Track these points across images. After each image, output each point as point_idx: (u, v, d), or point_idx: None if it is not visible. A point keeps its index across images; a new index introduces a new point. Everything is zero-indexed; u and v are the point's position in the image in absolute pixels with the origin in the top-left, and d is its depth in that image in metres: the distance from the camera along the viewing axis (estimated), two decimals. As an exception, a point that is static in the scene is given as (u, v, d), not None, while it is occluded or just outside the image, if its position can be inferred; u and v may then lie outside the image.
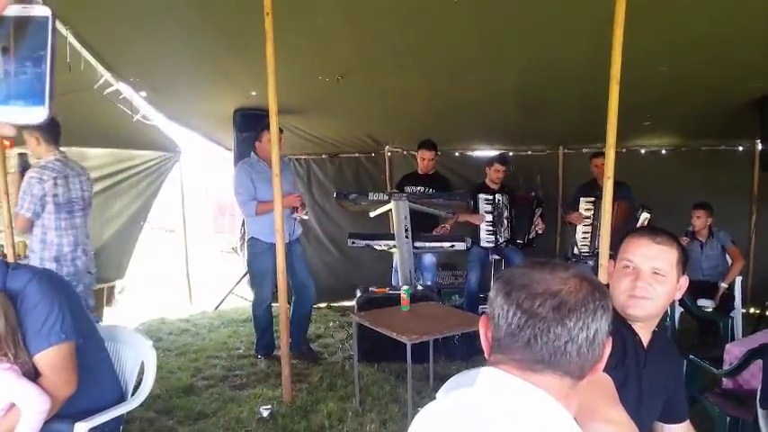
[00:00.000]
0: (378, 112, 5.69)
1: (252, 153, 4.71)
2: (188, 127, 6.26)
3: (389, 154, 6.83)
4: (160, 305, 6.74)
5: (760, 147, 5.75)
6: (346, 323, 5.71)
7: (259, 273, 4.69)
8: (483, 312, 5.91)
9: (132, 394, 2.45)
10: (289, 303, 4.32)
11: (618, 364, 1.55)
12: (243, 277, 6.54)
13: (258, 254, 4.58)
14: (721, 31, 3.94)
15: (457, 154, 6.88)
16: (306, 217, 4.74)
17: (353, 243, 4.96)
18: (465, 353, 4.58)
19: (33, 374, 2.03)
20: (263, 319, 4.76)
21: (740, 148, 6.50)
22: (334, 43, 4.22)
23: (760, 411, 2.18)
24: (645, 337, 1.70)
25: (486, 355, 1.06)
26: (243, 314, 6.30)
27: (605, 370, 1.44)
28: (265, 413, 3.52)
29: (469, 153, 6.93)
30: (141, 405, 2.49)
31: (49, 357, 2.04)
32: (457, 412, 1.04)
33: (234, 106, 5.57)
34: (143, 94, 5.07)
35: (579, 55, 4.18)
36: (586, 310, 0.98)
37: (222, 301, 6.53)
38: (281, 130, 4.25)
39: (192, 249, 7.13)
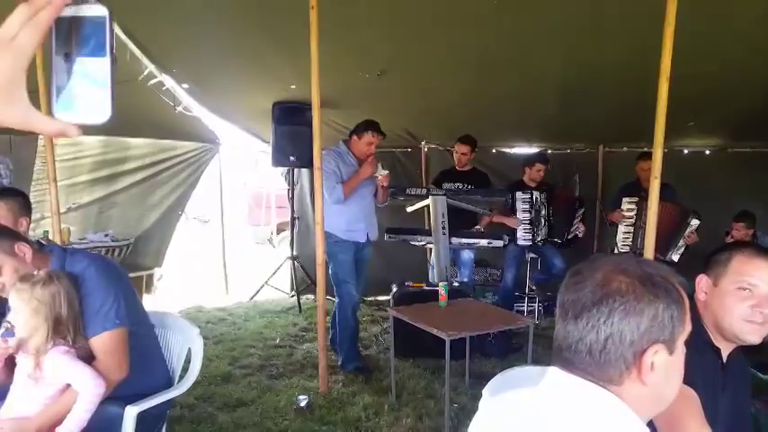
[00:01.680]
0: (415, 107, 5.68)
1: (341, 142, 4.48)
2: (227, 119, 6.34)
3: (426, 149, 6.82)
4: (197, 294, 6.86)
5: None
6: (380, 317, 5.74)
7: (341, 271, 4.25)
8: (518, 310, 5.88)
9: (179, 380, 2.51)
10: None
11: (703, 388, 1.51)
12: (278, 269, 6.62)
13: (336, 252, 4.24)
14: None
15: (494, 151, 6.84)
16: (385, 180, 4.44)
17: (390, 237, 4.98)
18: (500, 351, 4.57)
19: (89, 358, 2.10)
20: (350, 326, 4.29)
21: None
22: (375, 38, 4.23)
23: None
24: (725, 354, 1.67)
25: None
26: (278, 305, 6.39)
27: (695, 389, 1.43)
28: (303, 403, 3.56)
29: (506, 150, 6.88)
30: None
31: (104, 341, 2.10)
32: (523, 405, 1.05)
33: (273, 99, 5.63)
34: (185, 85, 5.15)
35: (623, 52, 4.10)
36: (600, 310, 0.96)
37: (257, 292, 6.62)
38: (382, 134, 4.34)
39: (227, 240, 7.24)
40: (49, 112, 0.61)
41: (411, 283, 4.67)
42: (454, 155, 5.51)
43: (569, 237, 5.41)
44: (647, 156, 4.51)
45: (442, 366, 3.25)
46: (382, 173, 4.35)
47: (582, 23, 3.86)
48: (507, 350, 4.60)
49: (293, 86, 5.15)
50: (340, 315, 4.30)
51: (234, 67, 4.97)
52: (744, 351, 1.75)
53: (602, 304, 0.96)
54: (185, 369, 2.54)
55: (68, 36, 0.60)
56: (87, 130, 0.62)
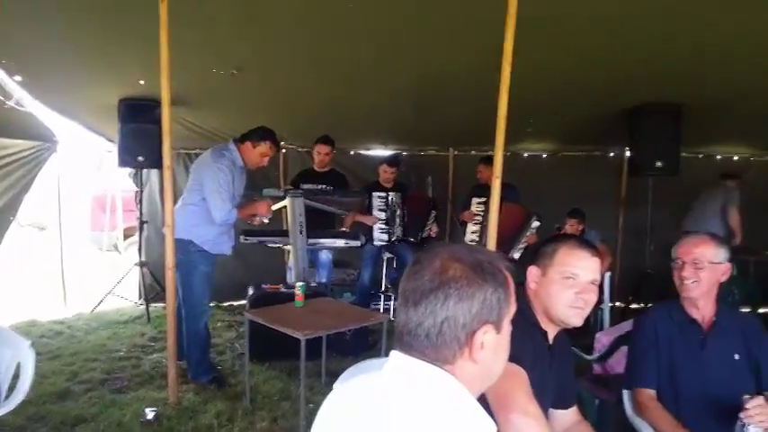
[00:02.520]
0: (273, 107, 5.61)
1: (232, 144, 4.19)
2: (67, 116, 5.84)
3: (284, 151, 6.76)
4: (30, 307, 6.23)
5: (628, 154, 6.28)
6: (235, 322, 5.59)
7: (201, 283, 4.04)
8: (375, 308, 6.00)
9: (5, 399, 2.27)
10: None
11: (532, 367, 1.65)
12: (125, 276, 6.21)
13: (197, 263, 3.99)
14: (596, 47, 4.27)
15: (352, 152, 6.95)
16: (266, 221, 4.42)
17: (246, 240, 4.86)
18: (357, 348, 4.64)
19: None
20: (202, 336, 4.12)
21: (611, 155, 7.08)
22: (230, 36, 4.12)
23: (624, 392, 2.39)
24: (552, 336, 1.84)
25: None
26: (124, 315, 5.99)
27: (526, 368, 1.56)
28: (150, 415, 3.37)
29: (364, 152, 7.02)
30: (10, 411, 2.31)
31: None
32: (367, 389, 1.09)
33: (119, 95, 5.28)
34: (17, 78, 4.67)
35: (470, 63, 4.35)
36: (436, 297, 1.02)
37: (101, 302, 6.16)
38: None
39: (66, 247, 6.65)
40: None
41: (268, 286, 4.60)
42: (314, 155, 5.53)
43: (423, 236, 5.64)
44: (487, 159, 4.82)
45: (299, 367, 3.23)
46: (268, 217, 4.34)
47: (436, 27, 4.04)
48: (364, 347, 4.67)
49: (142, 82, 4.87)
50: (192, 326, 4.04)
51: (75, 59, 4.58)
52: (568, 334, 1.95)
53: (439, 291, 1.03)
54: (12, 387, 2.30)
55: None
56: None
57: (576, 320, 1.79)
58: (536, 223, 5.27)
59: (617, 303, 6.52)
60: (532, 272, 1.83)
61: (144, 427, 3.30)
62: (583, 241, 1.85)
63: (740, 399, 1.87)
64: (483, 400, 1.39)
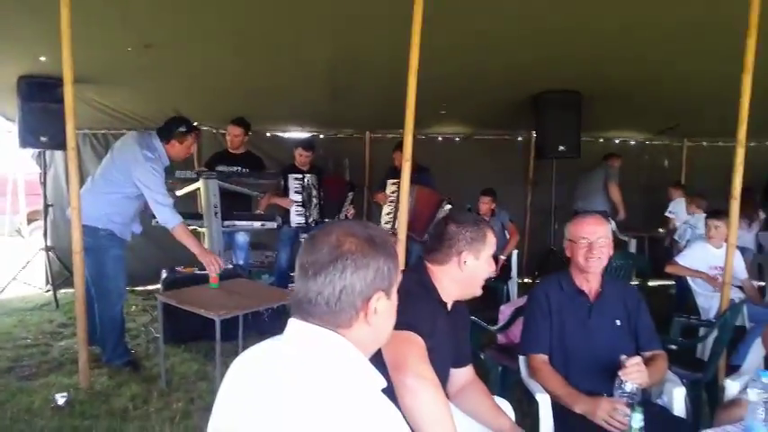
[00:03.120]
0: (186, 87, 5.50)
1: (155, 138, 3.98)
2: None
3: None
4: None
5: (535, 137, 6.63)
6: (150, 306, 5.48)
7: (114, 266, 3.91)
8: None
9: None
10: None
11: (431, 331, 1.80)
12: (29, 262, 5.94)
13: (108, 246, 3.86)
14: (504, 35, 4.47)
15: (268, 134, 6.92)
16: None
17: (158, 223, 4.77)
18: (275, 328, 4.64)
19: None
20: (118, 321, 4.02)
21: (519, 138, 7.42)
22: (140, 10, 4.00)
23: (521, 358, 2.59)
24: (450, 305, 2.02)
25: None
26: (30, 302, 5.75)
27: (422, 334, 1.72)
28: (61, 401, 3.30)
29: (281, 134, 7.00)
30: None
31: None
32: (268, 355, 1.18)
33: (18, 72, 5.01)
34: None
35: (382, 47, 4.45)
36: (335, 268, 1.12)
37: (4, 289, 5.87)
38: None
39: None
40: None
41: (182, 268, 4.56)
42: (227, 137, 5.48)
43: (340, 218, 5.72)
44: (401, 145, 4.94)
45: (216, 348, 3.26)
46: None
47: (349, 12, 4.09)
48: (282, 327, 4.72)
49: (43, 58, 4.65)
50: (108, 312, 3.94)
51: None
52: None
53: (337, 262, 1.13)
54: None
55: None
56: None
57: (478, 292, 2.03)
58: (447, 206, 5.48)
59: (526, 279, 6.89)
60: (468, 259, 1.97)
61: (55, 412, 3.23)
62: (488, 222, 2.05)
63: (620, 359, 2.10)
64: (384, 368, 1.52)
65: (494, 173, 6.79)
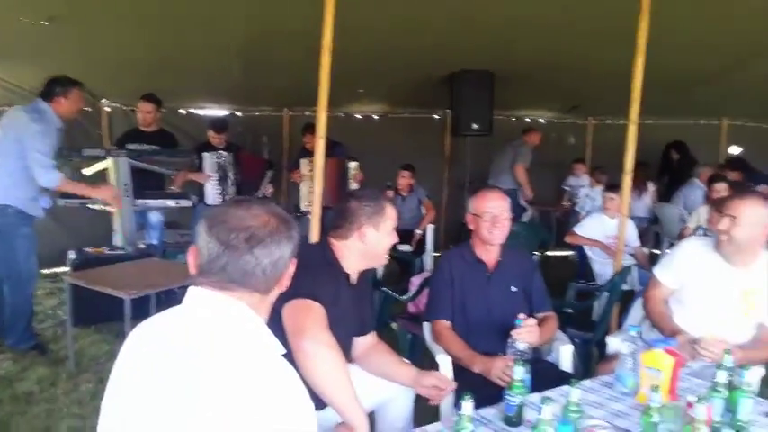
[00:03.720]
0: (93, 61, 5.26)
1: (46, 107, 3.77)
2: None
3: (108, 109, 6.40)
4: None
5: (451, 115, 6.80)
6: (57, 289, 5.29)
7: (26, 245, 3.77)
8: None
9: None
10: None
11: (334, 301, 1.91)
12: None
13: (18, 224, 3.72)
14: (419, 14, 4.56)
15: (183, 112, 6.75)
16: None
17: (66, 203, 4.60)
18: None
19: None
20: (28, 304, 3.90)
21: (436, 117, 7.60)
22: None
23: (425, 324, 2.73)
24: (355, 277, 2.14)
25: (192, 277, 1.26)
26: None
27: (322, 303, 1.82)
28: (-41, 388, 3.18)
29: (196, 111, 6.85)
30: None
31: None
32: (169, 323, 1.24)
33: None
34: None
35: (297, 23, 4.42)
36: (272, 240, 1.23)
37: None
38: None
39: None
40: None
41: (91, 249, 4.43)
42: (138, 114, 5.32)
43: (258, 196, 5.70)
44: (310, 127, 4.94)
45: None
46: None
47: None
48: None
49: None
50: (19, 295, 3.80)
51: None
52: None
53: (274, 234, 1.24)
54: None
55: None
56: None
57: (384, 261, 2.18)
58: (352, 163, 5.53)
59: (442, 252, 7.11)
60: (368, 232, 2.09)
61: (-47, 400, 3.11)
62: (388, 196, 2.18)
63: (518, 319, 2.27)
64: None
65: (412, 150, 6.92)
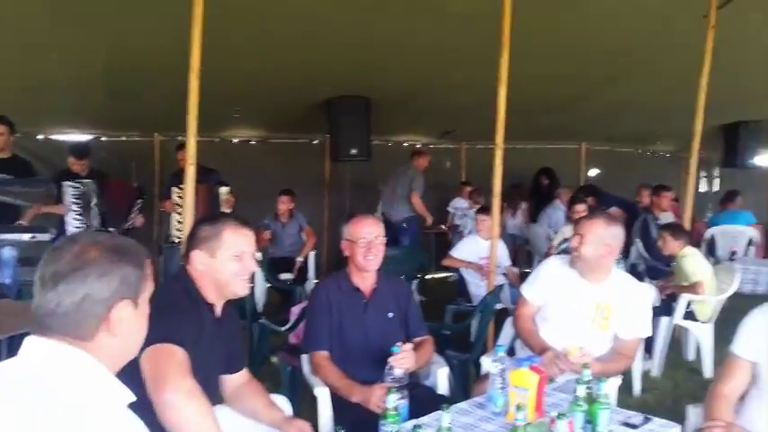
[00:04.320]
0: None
1: None
2: None
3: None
4: None
5: (329, 141, 6.81)
6: None
7: None
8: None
9: None
10: None
11: (197, 339, 1.79)
12: None
13: None
14: (292, 38, 4.54)
15: (40, 137, 6.24)
16: None
17: None
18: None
19: None
20: None
21: (315, 142, 7.61)
22: None
23: (304, 357, 2.67)
24: (219, 309, 2.00)
25: None
26: None
27: (185, 345, 1.67)
28: None
29: (55, 137, 6.36)
30: None
31: None
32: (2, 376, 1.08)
33: None
34: None
35: (164, 45, 4.24)
36: (76, 276, 1.08)
37: None
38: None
39: None
40: None
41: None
42: (-13, 138, 4.82)
43: (127, 227, 5.35)
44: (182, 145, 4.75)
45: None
46: None
47: (123, 16, 3.83)
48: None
49: None
50: None
51: None
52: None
53: (79, 270, 1.08)
54: None
55: None
56: None
57: (244, 289, 1.98)
58: (223, 188, 5.34)
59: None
60: (198, 257, 1.93)
61: None
62: (242, 219, 2.04)
63: (392, 348, 2.26)
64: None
65: (291, 175, 6.87)
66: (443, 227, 7.69)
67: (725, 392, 2.06)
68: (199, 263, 1.93)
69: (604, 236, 2.57)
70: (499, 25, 3.85)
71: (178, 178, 5.42)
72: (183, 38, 3.32)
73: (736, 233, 6.76)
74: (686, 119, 4.87)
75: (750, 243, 6.84)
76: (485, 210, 4.74)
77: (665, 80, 5.75)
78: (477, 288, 4.67)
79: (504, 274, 4.82)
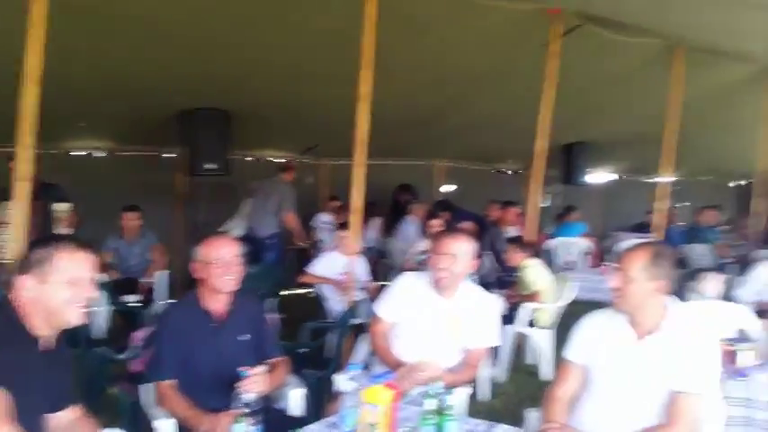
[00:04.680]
0: None
1: None
2: None
3: None
4: None
5: (184, 154, 6.47)
6: None
7: None
8: None
9: None
10: None
11: (18, 377, 1.61)
12: None
13: None
14: (148, 46, 4.27)
15: None
16: None
17: None
18: None
19: None
20: None
21: (168, 155, 7.23)
22: None
23: (141, 387, 2.48)
24: (47, 340, 1.79)
25: None
26: None
27: (5, 385, 1.50)
28: None
29: None
30: None
31: None
32: None
33: None
34: None
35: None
36: None
37: None
38: None
39: None
40: None
41: None
42: None
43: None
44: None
45: None
46: None
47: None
48: None
49: None
50: None
51: None
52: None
53: None
54: None
55: None
56: None
57: (79, 318, 1.79)
58: (62, 205, 4.93)
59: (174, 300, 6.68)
60: (26, 283, 1.74)
61: None
62: (77, 241, 1.85)
63: (241, 372, 2.16)
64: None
65: (140, 190, 6.45)
66: (302, 243, 7.59)
67: (559, 395, 2.25)
68: (26, 289, 1.73)
69: (469, 252, 2.71)
70: (360, 43, 3.89)
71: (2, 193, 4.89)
72: (17, 38, 3.00)
73: (570, 244, 7.38)
74: (529, 139, 5.25)
75: (588, 253, 7.51)
76: (346, 226, 4.76)
77: (510, 103, 6.17)
78: (337, 304, 4.66)
79: (364, 288, 4.86)
